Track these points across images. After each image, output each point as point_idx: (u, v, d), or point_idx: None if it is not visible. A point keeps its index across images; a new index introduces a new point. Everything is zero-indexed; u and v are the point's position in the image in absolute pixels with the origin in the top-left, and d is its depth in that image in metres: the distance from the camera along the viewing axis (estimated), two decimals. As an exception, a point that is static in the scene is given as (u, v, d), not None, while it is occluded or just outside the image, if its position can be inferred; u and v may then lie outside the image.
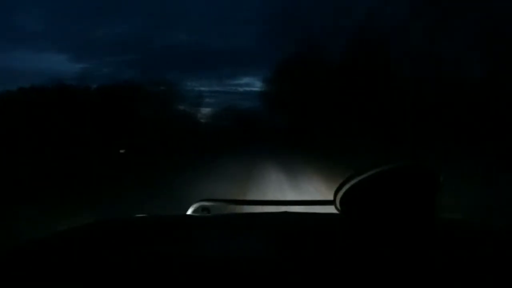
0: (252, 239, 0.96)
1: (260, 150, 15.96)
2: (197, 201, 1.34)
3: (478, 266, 0.72)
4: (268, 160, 11.65)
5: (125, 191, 6.49)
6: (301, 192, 6.48)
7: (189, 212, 1.31)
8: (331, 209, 0.98)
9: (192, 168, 9.76)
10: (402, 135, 12.76)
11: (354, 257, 0.77)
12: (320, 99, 18.10)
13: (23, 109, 17.71)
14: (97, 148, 13.50)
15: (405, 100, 14.17)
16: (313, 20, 19.44)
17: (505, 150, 8.71)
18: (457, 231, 1.00)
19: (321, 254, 0.80)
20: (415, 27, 14.80)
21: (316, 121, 18.55)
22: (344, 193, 0.84)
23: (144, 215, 1.22)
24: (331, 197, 0.91)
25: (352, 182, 0.82)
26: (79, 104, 18.86)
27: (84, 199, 5.70)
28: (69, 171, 8.90)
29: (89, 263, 0.74)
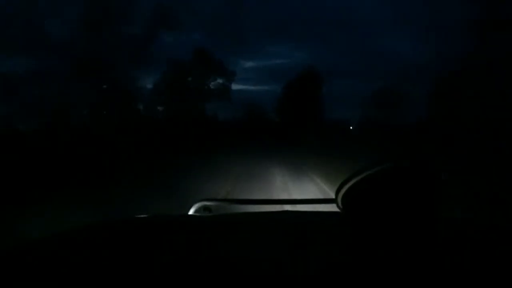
0: (253, 239, 0.95)
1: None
2: (198, 201, 1.34)
3: (479, 265, 0.72)
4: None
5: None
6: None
7: (190, 212, 1.31)
8: (332, 208, 0.98)
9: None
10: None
11: (356, 255, 0.77)
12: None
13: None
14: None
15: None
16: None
17: None
18: (458, 230, 1.00)
19: (323, 252, 0.80)
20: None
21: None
22: (346, 192, 0.84)
23: (144, 215, 1.21)
24: (333, 196, 0.91)
25: (354, 180, 0.82)
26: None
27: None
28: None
29: (90, 264, 0.74)
